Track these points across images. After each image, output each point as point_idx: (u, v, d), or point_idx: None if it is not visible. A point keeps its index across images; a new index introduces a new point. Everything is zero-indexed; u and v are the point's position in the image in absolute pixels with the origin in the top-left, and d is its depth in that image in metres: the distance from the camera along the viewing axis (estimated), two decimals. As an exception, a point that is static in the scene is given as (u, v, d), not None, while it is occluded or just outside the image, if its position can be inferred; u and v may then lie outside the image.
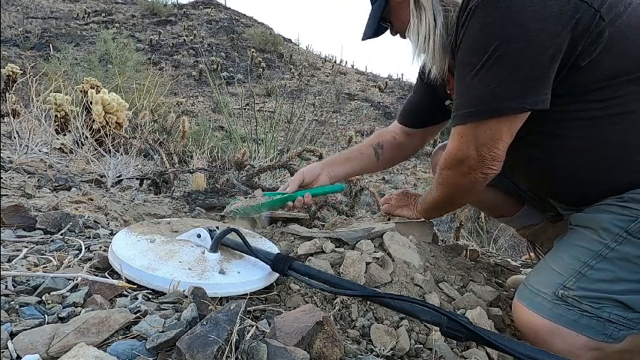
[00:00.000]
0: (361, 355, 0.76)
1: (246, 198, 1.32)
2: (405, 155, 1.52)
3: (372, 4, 1.11)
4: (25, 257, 0.85)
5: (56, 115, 3.31)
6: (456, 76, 0.96)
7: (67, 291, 0.71)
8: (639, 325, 0.86)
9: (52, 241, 1.00)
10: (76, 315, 0.64)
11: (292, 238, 1.19)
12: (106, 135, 2.66)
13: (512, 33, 0.81)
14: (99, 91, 3.51)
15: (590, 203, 0.97)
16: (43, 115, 2.91)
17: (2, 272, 0.72)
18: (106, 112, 3.38)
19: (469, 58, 0.88)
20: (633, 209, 0.87)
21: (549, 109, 0.87)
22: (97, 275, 0.79)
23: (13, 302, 0.65)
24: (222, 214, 1.28)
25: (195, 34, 17.19)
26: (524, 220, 1.43)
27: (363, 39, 1.17)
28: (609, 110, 0.88)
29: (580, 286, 0.88)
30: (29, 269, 0.80)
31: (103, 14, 17.94)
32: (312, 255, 1.06)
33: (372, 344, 0.84)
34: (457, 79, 0.95)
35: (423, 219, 1.29)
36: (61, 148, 2.80)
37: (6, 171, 1.81)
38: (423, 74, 1.28)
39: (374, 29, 1.12)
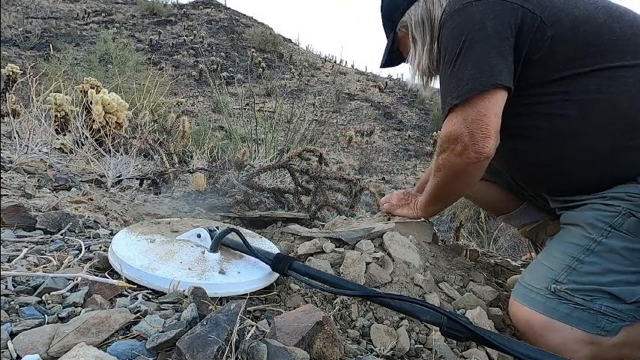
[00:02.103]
0: (361, 355, 0.76)
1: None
2: None
3: (387, 38, 1.30)
4: (25, 257, 0.85)
5: (56, 115, 3.30)
6: (440, 80, 1.07)
7: (67, 291, 0.71)
8: (631, 316, 0.88)
9: (52, 241, 1.00)
10: (76, 315, 0.64)
11: (292, 238, 1.19)
12: (106, 135, 2.66)
13: (474, 28, 0.98)
14: (99, 91, 3.50)
15: (573, 194, 1.04)
16: (43, 115, 2.91)
17: (2, 272, 0.72)
18: (106, 112, 3.37)
19: (447, 58, 1.02)
20: (615, 206, 0.93)
21: (520, 101, 1.00)
22: (97, 275, 0.79)
23: (13, 302, 0.65)
24: None
25: (195, 34, 17.18)
26: (524, 217, 1.44)
27: (381, 67, 1.36)
28: (568, 102, 0.98)
29: (571, 280, 0.92)
30: (29, 269, 0.80)
31: (103, 14, 17.93)
32: (312, 255, 1.06)
33: (372, 344, 0.84)
34: (441, 79, 1.07)
35: (423, 219, 1.29)
36: (61, 148, 2.80)
37: (6, 171, 1.81)
38: None
39: (387, 58, 1.31)
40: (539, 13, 0.97)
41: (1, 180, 1.56)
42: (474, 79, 0.96)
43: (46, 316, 0.63)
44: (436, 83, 1.25)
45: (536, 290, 0.95)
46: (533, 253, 1.54)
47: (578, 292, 0.90)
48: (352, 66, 20.56)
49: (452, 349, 0.88)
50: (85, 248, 0.95)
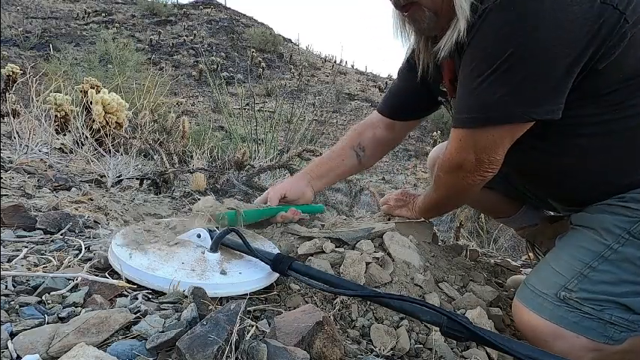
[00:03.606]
0: (361, 355, 0.76)
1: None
2: (387, 150, 1.46)
3: None
4: (25, 257, 0.85)
5: (56, 115, 3.30)
6: (460, 78, 0.93)
7: (67, 291, 0.71)
8: None
9: (52, 241, 1.00)
10: (76, 315, 0.64)
11: (292, 238, 1.19)
12: (106, 135, 2.65)
13: (527, 41, 0.77)
14: (99, 91, 3.50)
15: (591, 203, 0.97)
16: (43, 115, 2.91)
17: (2, 272, 0.72)
18: (106, 112, 3.37)
19: (478, 62, 0.84)
20: (635, 209, 0.87)
21: (563, 113, 0.84)
22: (97, 275, 0.79)
23: (13, 302, 0.65)
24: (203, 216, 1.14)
25: (195, 34, 17.18)
26: (523, 220, 1.43)
27: None
28: (624, 112, 0.86)
29: (582, 288, 0.88)
30: (29, 269, 0.80)
31: (103, 14, 17.93)
32: (312, 255, 1.06)
33: (372, 344, 0.84)
34: (462, 82, 0.92)
35: (422, 219, 1.29)
36: (61, 148, 2.79)
37: (6, 171, 1.81)
38: (413, 62, 1.17)
39: None
40: (623, 9, 0.76)
41: (1, 180, 1.56)
42: (505, 107, 0.82)
43: (46, 316, 0.63)
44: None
45: (544, 296, 0.91)
46: (530, 254, 1.54)
47: (588, 301, 0.87)
48: (352, 66, 20.55)
49: (452, 349, 0.88)
50: (85, 248, 0.95)
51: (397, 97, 1.33)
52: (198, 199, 1.78)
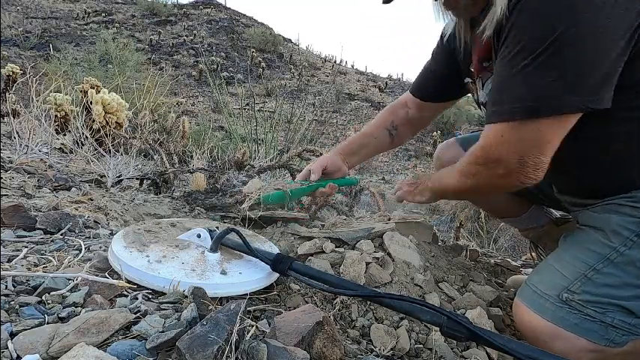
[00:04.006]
0: (361, 355, 0.76)
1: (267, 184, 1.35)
2: (417, 130, 1.47)
3: None
4: (25, 257, 0.85)
5: (56, 115, 3.30)
6: (497, 67, 0.84)
7: (67, 291, 0.71)
8: None
9: (52, 241, 0.99)
10: (76, 315, 0.64)
11: (292, 238, 1.19)
12: (106, 135, 2.65)
13: (579, 19, 0.70)
14: (99, 91, 3.50)
15: (601, 197, 0.93)
16: (43, 115, 2.90)
17: (2, 272, 0.72)
18: (106, 112, 3.37)
19: (521, 46, 0.76)
20: None
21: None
22: (97, 275, 0.79)
23: (13, 302, 0.65)
24: (255, 199, 1.23)
25: (195, 34, 17.19)
26: (529, 222, 1.42)
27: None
28: None
29: (585, 290, 0.87)
30: (29, 269, 0.80)
31: (103, 14, 17.94)
32: (312, 255, 1.06)
33: (372, 344, 0.84)
34: (499, 70, 0.83)
35: (423, 218, 1.29)
36: (61, 148, 2.79)
37: (6, 171, 1.81)
38: (446, 41, 1.15)
39: None
40: None
41: (1, 180, 1.56)
42: (557, 94, 0.73)
43: (46, 316, 0.63)
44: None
45: (546, 297, 0.90)
46: (533, 254, 1.54)
47: (590, 303, 0.85)
48: (352, 66, 20.56)
49: (452, 349, 0.88)
50: (85, 248, 0.95)
51: (427, 78, 1.32)
52: (197, 199, 1.78)
